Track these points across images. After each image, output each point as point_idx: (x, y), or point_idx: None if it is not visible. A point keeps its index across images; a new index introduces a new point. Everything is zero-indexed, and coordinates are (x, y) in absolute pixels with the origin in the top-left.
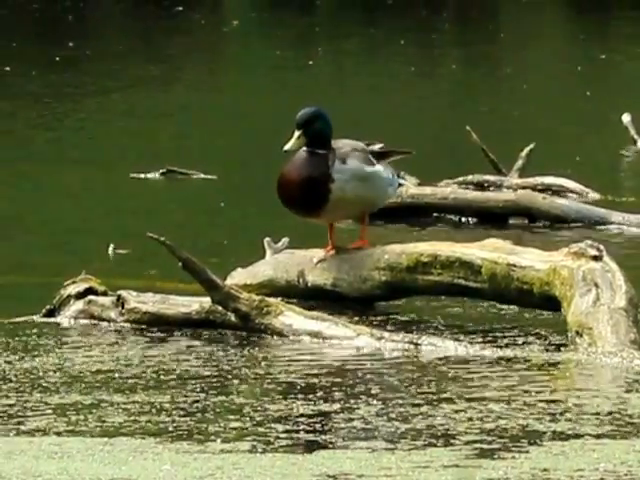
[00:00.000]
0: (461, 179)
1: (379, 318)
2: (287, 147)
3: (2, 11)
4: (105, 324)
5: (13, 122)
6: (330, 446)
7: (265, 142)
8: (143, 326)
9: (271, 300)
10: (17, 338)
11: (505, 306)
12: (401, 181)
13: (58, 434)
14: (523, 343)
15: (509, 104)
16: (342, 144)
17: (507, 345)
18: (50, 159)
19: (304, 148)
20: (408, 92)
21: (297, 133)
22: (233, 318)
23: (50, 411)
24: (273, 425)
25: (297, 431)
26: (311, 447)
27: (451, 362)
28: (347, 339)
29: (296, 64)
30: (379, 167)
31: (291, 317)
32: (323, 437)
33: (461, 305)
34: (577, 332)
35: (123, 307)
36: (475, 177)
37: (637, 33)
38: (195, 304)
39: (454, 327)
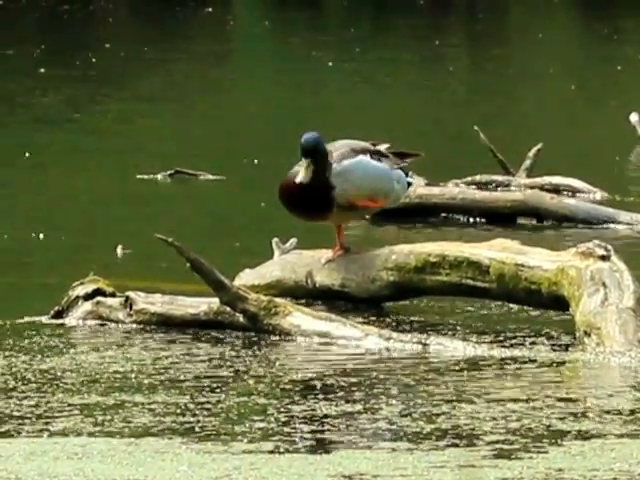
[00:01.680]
0: (469, 179)
1: (388, 318)
2: (302, 179)
3: (34, 14)
4: (113, 325)
5: (31, 124)
6: (353, 446)
7: (274, 143)
8: (151, 327)
9: (279, 301)
10: (28, 339)
11: (513, 306)
12: (410, 180)
13: (84, 435)
14: (532, 343)
15: (519, 104)
16: (340, 145)
17: (516, 345)
18: (57, 160)
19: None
20: (418, 92)
21: (306, 162)
22: (241, 319)
23: (77, 412)
24: (298, 425)
25: (322, 431)
26: (331, 447)
27: (462, 362)
28: (355, 339)
29: (316, 65)
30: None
31: (299, 317)
32: (347, 437)
33: (469, 305)
34: (585, 332)
35: (131, 308)
36: (483, 177)
37: None
38: (203, 305)
39: (462, 327)
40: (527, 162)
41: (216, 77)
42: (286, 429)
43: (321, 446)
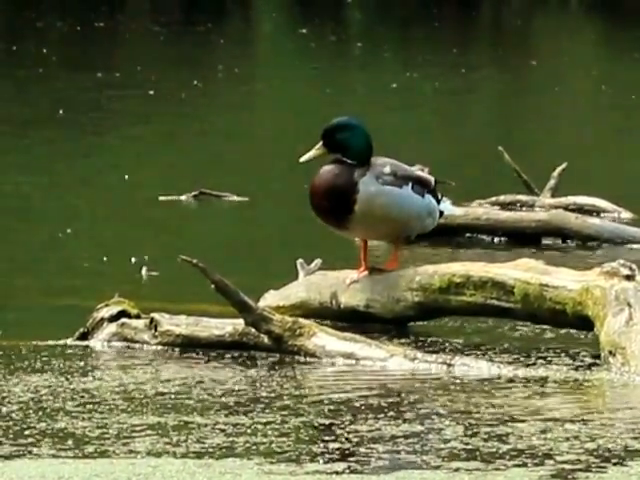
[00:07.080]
0: (493, 199)
1: (413, 339)
2: (303, 158)
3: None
4: (139, 347)
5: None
6: (424, 466)
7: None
8: (176, 348)
9: (304, 321)
10: (58, 361)
11: (537, 326)
12: (443, 209)
13: (157, 455)
14: (556, 363)
15: (543, 123)
16: (382, 161)
17: (540, 365)
18: (81, 180)
19: (333, 158)
20: (441, 111)
21: (318, 144)
22: (266, 340)
23: (150, 432)
24: (372, 446)
25: (398, 452)
26: (392, 467)
27: (489, 383)
28: (381, 360)
29: (343, 82)
30: (415, 194)
31: (324, 338)
32: (422, 458)
33: (494, 325)
34: (610, 352)
35: (156, 330)
36: (507, 197)
37: None
38: (228, 326)
39: (487, 347)
40: (551, 182)
41: (241, 95)
42: (363, 449)
43: (387, 466)
